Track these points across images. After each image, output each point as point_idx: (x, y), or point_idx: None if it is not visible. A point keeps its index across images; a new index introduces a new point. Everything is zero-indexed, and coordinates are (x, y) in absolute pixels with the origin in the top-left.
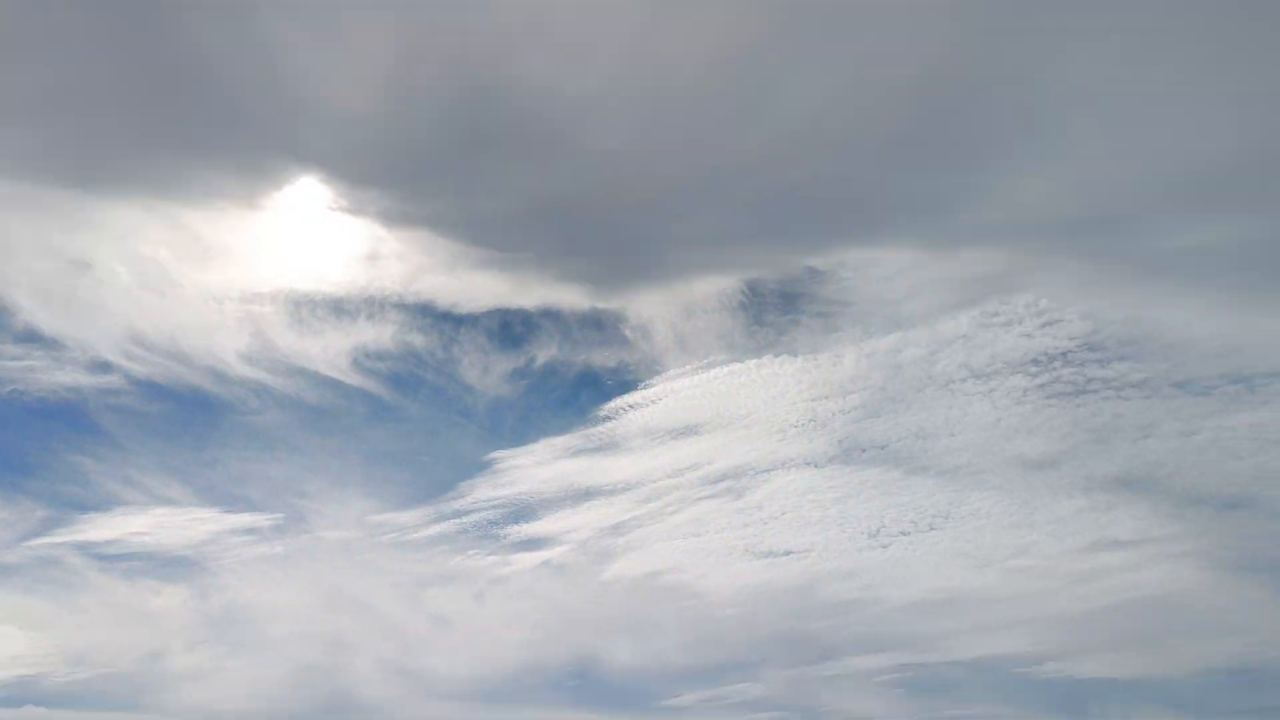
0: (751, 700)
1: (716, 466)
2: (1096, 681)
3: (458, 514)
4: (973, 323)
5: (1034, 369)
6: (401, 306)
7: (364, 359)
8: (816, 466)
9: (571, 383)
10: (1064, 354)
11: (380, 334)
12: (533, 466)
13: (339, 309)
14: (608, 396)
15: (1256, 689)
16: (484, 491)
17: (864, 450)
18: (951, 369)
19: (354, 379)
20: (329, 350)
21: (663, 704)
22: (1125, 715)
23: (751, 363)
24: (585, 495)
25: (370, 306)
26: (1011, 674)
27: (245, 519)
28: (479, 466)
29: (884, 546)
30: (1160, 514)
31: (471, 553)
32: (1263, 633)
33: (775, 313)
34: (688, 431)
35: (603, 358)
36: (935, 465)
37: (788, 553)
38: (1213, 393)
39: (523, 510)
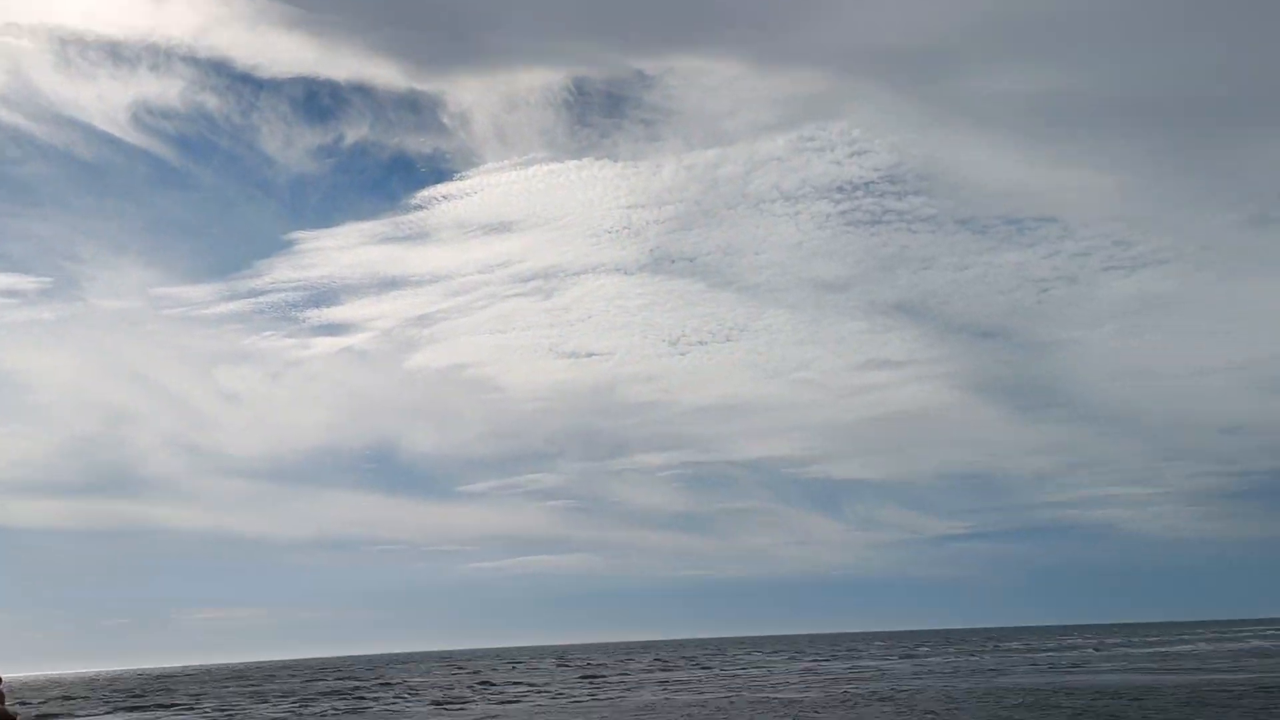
0: (545, 489)
1: (528, 265)
2: (851, 482)
3: (253, 293)
4: (789, 146)
5: (838, 196)
6: (192, 60)
7: (146, 115)
8: (626, 273)
9: (383, 166)
10: (867, 184)
11: (166, 89)
12: (336, 250)
13: (116, 54)
14: (420, 184)
15: (980, 492)
16: (283, 272)
17: (673, 261)
18: (764, 189)
19: (134, 137)
20: (105, 101)
21: (459, 490)
22: (870, 511)
23: (571, 164)
24: (391, 284)
25: (154, 56)
26: (781, 473)
27: (6, 280)
28: (278, 245)
29: (682, 354)
30: (927, 338)
31: (267, 333)
32: (993, 445)
33: (599, 114)
34: (501, 228)
35: (417, 143)
36: (738, 281)
37: (590, 354)
38: (988, 231)
39: (324, 294)
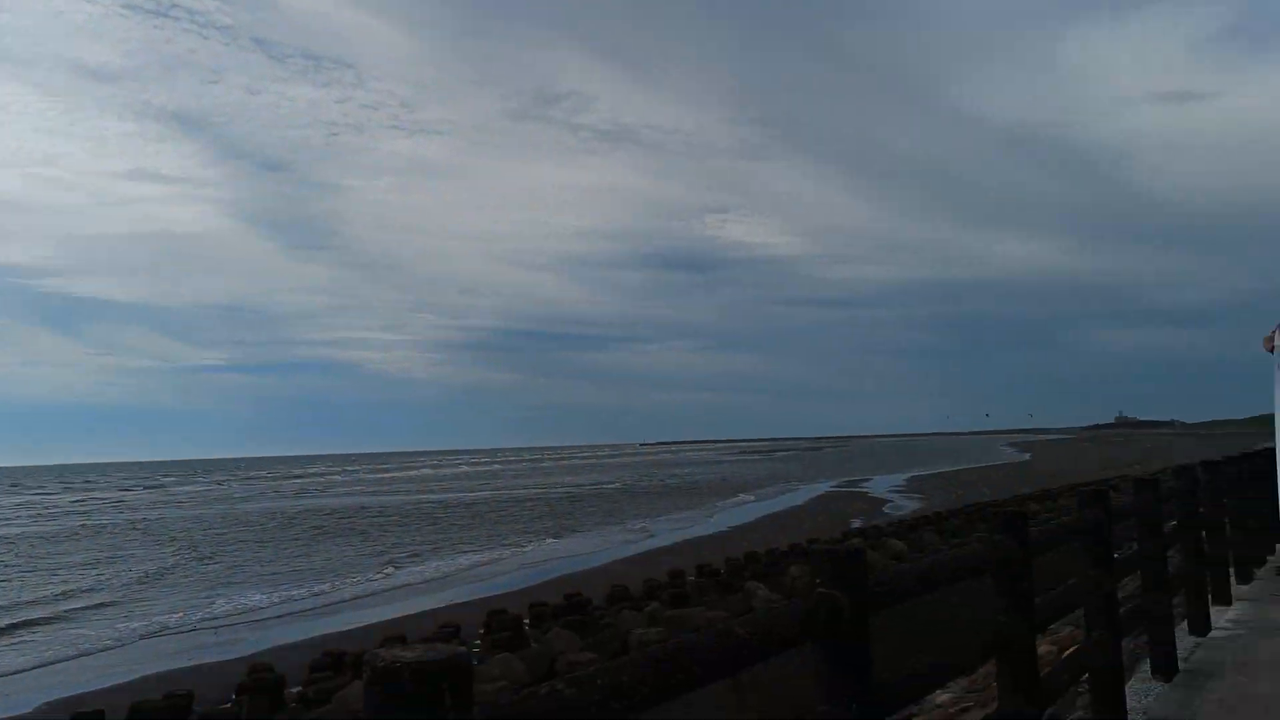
0: None
1: None
2: (97, 301)
3: None
4: None
5: None
6: None
7: None
8: None
9: None
10: None
11: None
12: None
13: None
14: None
15: (243, 324)
16: None
17: None
18: None
19: None
20: None
21: None
22: (116, 334)
23: None
24: None
25: None
26: (7, 283)
27: None
28: None
29: None
30: (204, 157)
31: None
32: (262, 278)
33: None
34: None
35: None
36: None
37: None
38: (286, 61)
39: None
